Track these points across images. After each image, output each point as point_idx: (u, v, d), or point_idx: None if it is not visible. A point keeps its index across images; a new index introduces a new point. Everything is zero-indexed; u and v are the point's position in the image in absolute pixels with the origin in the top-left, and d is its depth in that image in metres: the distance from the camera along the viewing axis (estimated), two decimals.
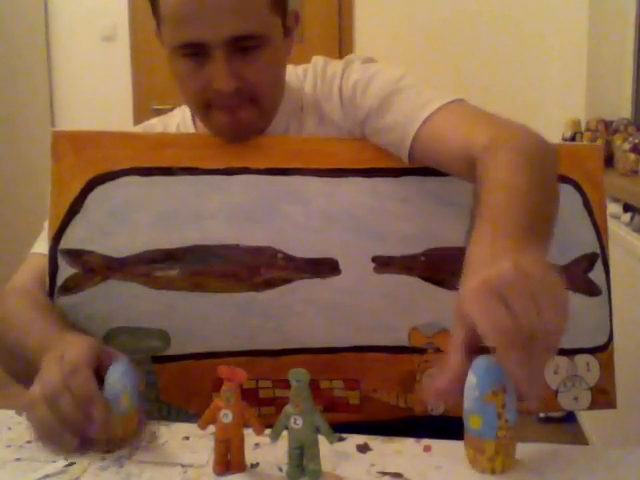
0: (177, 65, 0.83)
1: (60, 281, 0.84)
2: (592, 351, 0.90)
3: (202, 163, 0.86)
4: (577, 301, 0.90)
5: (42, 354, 0.72)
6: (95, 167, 0.85)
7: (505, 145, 0.76)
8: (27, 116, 3.35)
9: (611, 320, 0.91)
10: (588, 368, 0.90)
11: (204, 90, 0.83)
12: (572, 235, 0.90)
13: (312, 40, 3.32)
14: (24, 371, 0.78)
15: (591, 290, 0.91)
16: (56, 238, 0.84)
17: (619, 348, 0.92)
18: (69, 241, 0.84)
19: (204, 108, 0.85)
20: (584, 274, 0.91)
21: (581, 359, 0.90)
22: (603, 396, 0.90)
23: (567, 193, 0.90)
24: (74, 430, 0.66)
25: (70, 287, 0.84)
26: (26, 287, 0.86)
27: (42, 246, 0.89)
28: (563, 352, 0.89)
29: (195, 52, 0.81)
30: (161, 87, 2.97)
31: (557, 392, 0.89)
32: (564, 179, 0.90)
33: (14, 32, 3.28)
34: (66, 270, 0.84)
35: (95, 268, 0.84)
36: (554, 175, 0.76)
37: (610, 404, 0.91)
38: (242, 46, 0.80)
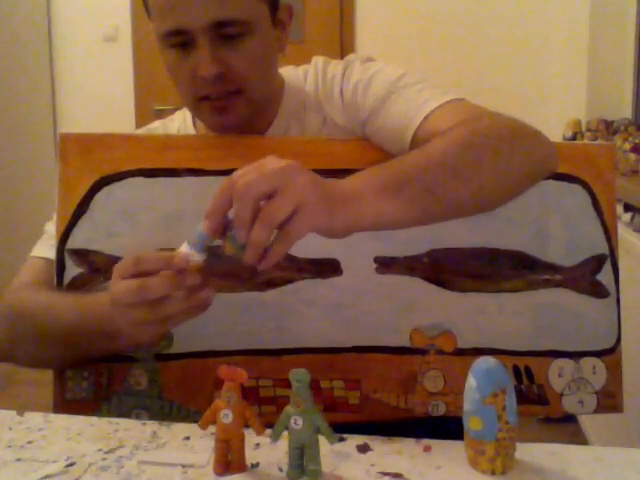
0: (166, 56, 0.84)
1: (67, 281, 0.85)
2: (599, 354, 0.89)
3: (207, 164, 0.86)
4: (584, 303, 0.90)
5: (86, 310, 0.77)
6: (102, 168, 0.86)
7: (465, 124, 0.75)
8: (29, 116, 3.36)
9: (619, 323, 0.90)
10: (594, 371, 0.89)
11: (191, 79, 0.83)
12: (580, 236, 0.90)
13: (313, 40, 3.32)
14: (57, 350, 0.81)
15: (599, 292, 0.90)
16: (63, 238, 0.85)
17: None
18: (76, 241, 0.85)
19: (194, 100, 0.86)
20: (592, 276, 0.90)
21: (587, 362, 0.89)
22: (609, 400, 0.89)
23: (576, 193, 0.90)
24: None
25: (76, 287, 0.85)
26: (29, 284, 0.87)
27: (41, 249, 0.90)
28: (569, 355, 0.89)
29: (182, 41, 0.82)
30: (163, 88, 2.98)
31: (562, 395, 0.88)
32: (573, 179, 0.90)
33: (17, 32, 3.29)
34: (73, 270, 0.85)
35: (101, 268, 0.85)
36: (500, 170, 0.74)
37: (616, 408, 0.90)
38: (226, 33, 0.81)
